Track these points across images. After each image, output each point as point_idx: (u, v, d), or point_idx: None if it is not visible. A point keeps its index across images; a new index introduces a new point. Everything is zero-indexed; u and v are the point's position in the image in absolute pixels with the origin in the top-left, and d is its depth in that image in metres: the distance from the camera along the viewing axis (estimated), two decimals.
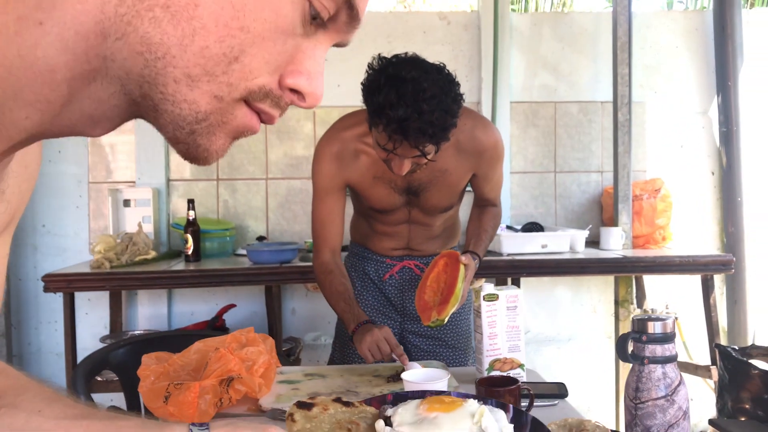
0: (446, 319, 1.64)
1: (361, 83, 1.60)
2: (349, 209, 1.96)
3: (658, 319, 0.89)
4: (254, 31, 0.50)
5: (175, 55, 0.48)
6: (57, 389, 0.70)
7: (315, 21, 0.54)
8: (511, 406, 0.98)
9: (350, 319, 1.75)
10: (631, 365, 0.92)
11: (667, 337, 0.89)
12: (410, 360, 1.92)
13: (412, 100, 1.49)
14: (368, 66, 1.60)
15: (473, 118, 1.83)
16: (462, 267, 1.66)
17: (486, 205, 1.97)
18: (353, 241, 2.06)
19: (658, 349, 0.89)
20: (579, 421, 1.26)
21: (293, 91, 0.55)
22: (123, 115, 0.54)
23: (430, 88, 1.51)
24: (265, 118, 0.56)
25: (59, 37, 0.47)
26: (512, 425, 0.92)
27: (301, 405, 0.91)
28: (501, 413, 0.94)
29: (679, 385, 0.88)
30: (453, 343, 1.97)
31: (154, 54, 0.48)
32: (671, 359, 0.89)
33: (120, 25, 0.48)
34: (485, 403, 0.97)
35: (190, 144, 0.53)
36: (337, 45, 0.59)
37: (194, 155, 0.55)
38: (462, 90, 1.62)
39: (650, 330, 0.89)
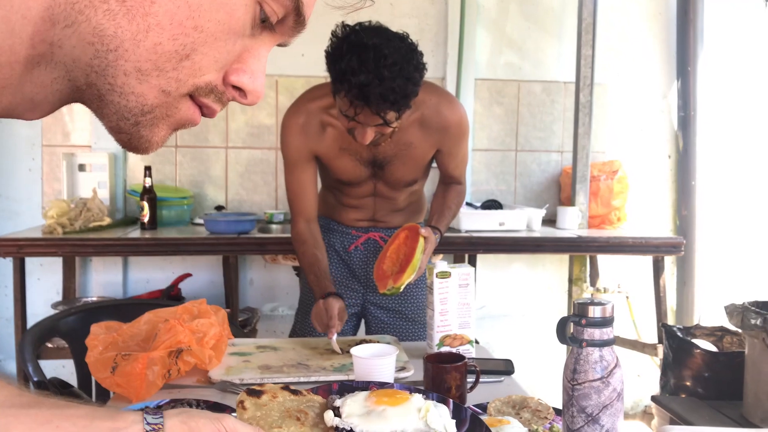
0: (402, 288, 1.66)
1: (325, 50, 1.61)
2: None
3: (598, 303, 0.91)
4: (207, 30, 0.51)
5: (128, 49, 0.49)
6: (3, 376, 0.67)
7: (263, 23, 0.56)
8: (451, 401, 1.00)
9: (317, 291, 1.77)
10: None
11: (606, 322, 0.91)
12: (373, 332, 1.95)
13: (373, 66, 1.51)
14: (332, 33, 1.61)
15: (439, 94, 1.84)
16: (421, 239, 1.68)
17: (451, 183, 1.99)
18: (319, 213, 2.08)
19: (597, 333, 0.91)
20: (522, 398, 1.29)
21: (236, 88, 0.56)
22: (63, 100, 0.54)
23: (391, 55, 1.53)
24: (206, 112, 0.57)
25: (5, 20, 0.47)
26: (454, 420, 0.95)
27: (251, 392, 0.93)
28: (444, 408, 0.97)
29: (614, 367, 0.91)
30: (413, 317, 1.99)
31: (107, 46, 0.49)
32: (609, 343, 0.91)
33: (71, 13, 0.48)
34: (428, 397, 1.00)
35: (132, 135, 0.54)
36: (280, 45, 0.61)
37: (135, 145, 0.56)
38: (427, 65, 1.64)
39: (590, 314, 0.91)
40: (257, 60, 0.57)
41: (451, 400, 1.01)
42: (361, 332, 2.07)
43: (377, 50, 1.52)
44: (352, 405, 0.94)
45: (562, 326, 0.92)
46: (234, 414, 1.16)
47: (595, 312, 0.90)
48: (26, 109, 0.54)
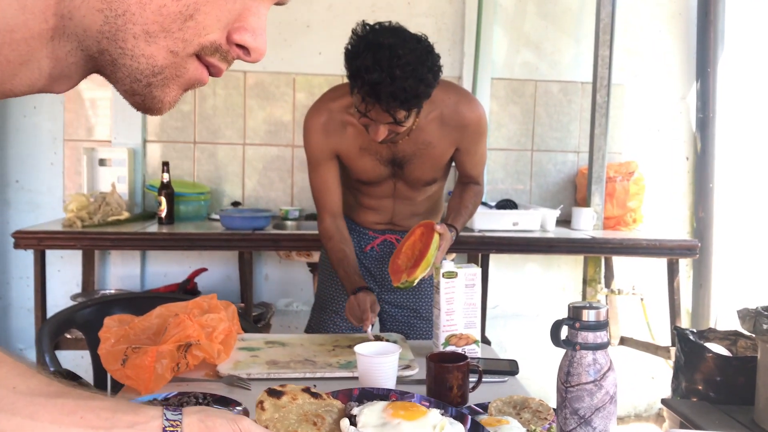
0: (415, 282, 1.68)
1: (345, 47, 1.64)
2: None
3: (592, 307, 0.92)
4: None
5: (135, 13, 0.51)
6: (33, 365, 0.69)
7: None
8: (469, 417, 1.00)
9: (348, 286, 1.82)
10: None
11: (600, 325, 0.92)
12: (388, 330, 1.99)
13: (387, 65, 1.54)
14: (352, 31, 1.65)
15: (458, 93, 1.86)
16: (436, 235, 1.69)
17: (469, 182, 2.00)
18: None
19: (590, 336, 0.92)
20: (524, 398, 1.30)
21: (239, 46, 0.58)
22: (81, 72, 0.56)
23: (405, 55, 1.55)
24: (213, 71, 0.59)
25: None
26: None
27: (272, 393, 0.94)
28: (459, 426, 0.97)
29: (608, 371, 0.92)
30: (427, 315, 2.02)
31: (115, 11, 0.51)
32: (602, 346, 0.92)
33: None
34: (446, 413, 1.00)
35: (146, 96, 0.57)
36: (278, 3, 0.63)
37: (149, 106, 0.58)
38: (444, 64, 1.66)
39: (584, 318, 0.92)
40: (257, 18, 0.59)
41: (469, 417, 1.01)
42: (376, 330, 2.11)
43: (392, 50, 1.55)
44: (369, 415, 0.95)
45: (556, 329, 0.94)
46: (239, 409, 1.19)
47: (589, 315, 0.92)
48: (46, 84, 0.56)
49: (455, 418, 1.01)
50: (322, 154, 1.87)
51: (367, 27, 1.63)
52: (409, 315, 2.03)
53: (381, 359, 1.31)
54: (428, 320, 2.02)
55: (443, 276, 1.58)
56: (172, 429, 0.68)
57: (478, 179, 2.01)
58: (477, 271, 1.61)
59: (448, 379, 1.27)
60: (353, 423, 0.93)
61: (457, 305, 1.60)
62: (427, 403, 1.03)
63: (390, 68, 1.54)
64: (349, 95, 1.73)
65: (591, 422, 0.90)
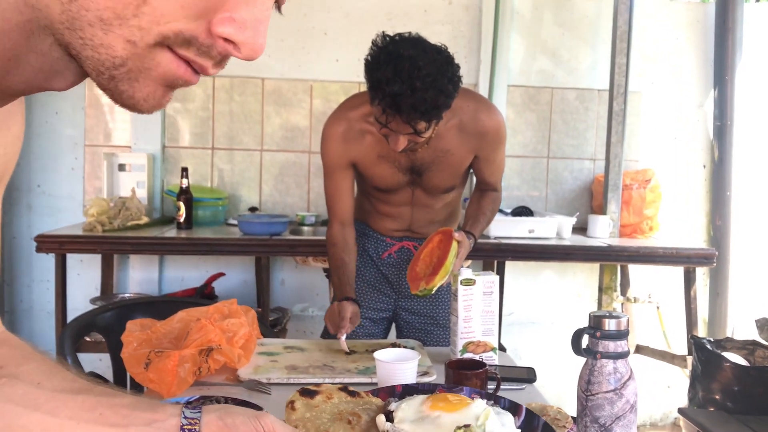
0: (434, 290, 1.69)
1: (365, 59, 1.66)
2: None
3: (612, 316, 0.93)
4: None
5: None
6: (58, 362, 0.70)
7: None
8: (524, 408, 0.97)
9: (338, 293, 1.84)
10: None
11: (620, 335, 0.93)
12: (405, 336, 2.01)
13: (407, 77, 1.55)
14: (372, 42, 1.66)
15: (477, 101, 1.87)
16: (455, 243, 1.70)
17: (487, 189, 2.01)
18: (356, 218, 2.12)
19: (611, 345, 0.93)
20: (542, 406, 1.31)
21: (227, 40, 0.52)
22: (71, 68, 0.53)
23: (425, 67, 1.56)
24: (197, 68, 0.54)
25: None
26: (519, 430, 0.90)
27: (304, 392, 0.90)
28: (509, 417, 0.92)
29: (628, 380, 0.92)
30: (444, 323, 2.02)
31: None
32: (623, 355, 0.93)
33: None
34: (496, 403, 0.94)
35: (113, 90, 0.53)
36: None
37: (121, 102, 0.54)
38: (460, 71, 1.66)
39: (605, 327, 0.93)
40: (249, 6, 0.51)
41: (524, 407, 0.97)
42: (392, 336, 2.12)
43: (412, 61, 1.56)
44: (407, 410, 0.91)
45: (577, 338, 0.95)
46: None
47: (610, 325, 0.92)
48: (41, 80, 0.54)
49: (508, 409, 0.96)
50: (339, 163, 1.88)
51: (387, 38, 1.64)
52: (426, 322, 2.04)
53: (401, 365, 1.32)
54: (445, 327, 2.02)
55: (461, 283, 1.59)
56: (190, 427, 0.66)
57: (496, 186, 2.01)
58: (495, 278, 1.62)
59: (466, 386, 1.28)
60: (390, 419, 0.89)
61: (474, 312, 1.60)
62: (477, 396, 0.98)
63: (410, 80, 1.55)
64: (367, 103, 1.74)
65: (611, 431, 0.91)
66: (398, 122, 1.62)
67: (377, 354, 1.34)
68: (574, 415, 1.27)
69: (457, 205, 2.10)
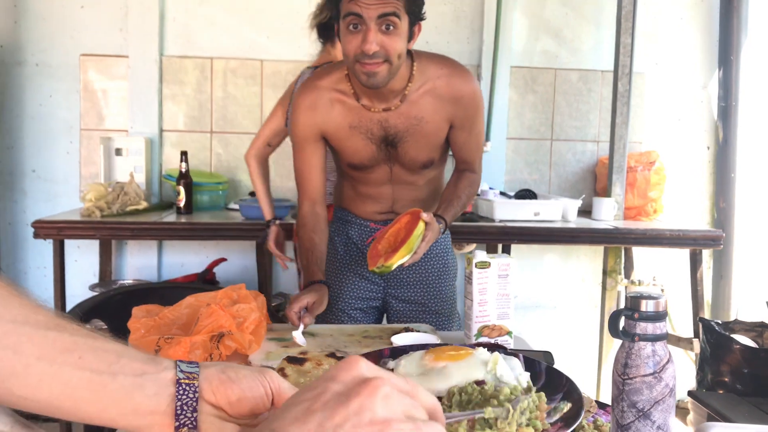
0: (393, 267, 1.61)
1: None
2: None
3: (650, 297, 0.89)
4: None
5: None
6: (17, 286, 0.57)
7: None
8: (521, 354, 0.95)
9: (306, 276, 1.76)
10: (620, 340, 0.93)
11: (659, 316, 0.89)
12: (398, 321, 1.93)
13: None
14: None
15: (451, 66, 1.79)
16: (421, 223, 1.64)
17: (465, 170, 1.92)
18: (337, 205, 2.05)
19: (649, 327, 0.90)
20: None
21: None
22: None
23: None
24: None
25: None
26: (528, 373, 0.90)
27: (292, 360, 0.90)
28: (515, 361, 0.91)
29: (667, 363, 0.89)
30: (436, 309, 1.97)
31: None
32: (661, 338, 0.90)
33: None
34: (496, 350, 0.93)
35: None
36: None
37: None
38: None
39: (642, 308, 0.89)
40: None
41: (521, 355, 0.95)
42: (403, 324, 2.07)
43: None
44: (408, 366, 0.88)
45: (614, 320, 0.91)
46: None
47: (648, 306, 0.88)
48: None
49: (507, 354, 0.95)
50: (308, 135, 1.80)
51: None
52: (417, 310, 1.97)
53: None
54: (438, 314, 1.97)
55: (476, 266, 1.55)
56: (188, 381, 0.57)
57: (473, 166, 1.91)
58: (510, 261, 1.58)
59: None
60: None
61: (489, 296, 1.56)
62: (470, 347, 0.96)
63: None
64: (338, 71, 1.69)
65: (650, 416, 0.88)
66: (366, 5, 1.55)
67: (395, 338, 1.31)
68: (593, 397, 1.24)
69: (440, 184, 2.00)
